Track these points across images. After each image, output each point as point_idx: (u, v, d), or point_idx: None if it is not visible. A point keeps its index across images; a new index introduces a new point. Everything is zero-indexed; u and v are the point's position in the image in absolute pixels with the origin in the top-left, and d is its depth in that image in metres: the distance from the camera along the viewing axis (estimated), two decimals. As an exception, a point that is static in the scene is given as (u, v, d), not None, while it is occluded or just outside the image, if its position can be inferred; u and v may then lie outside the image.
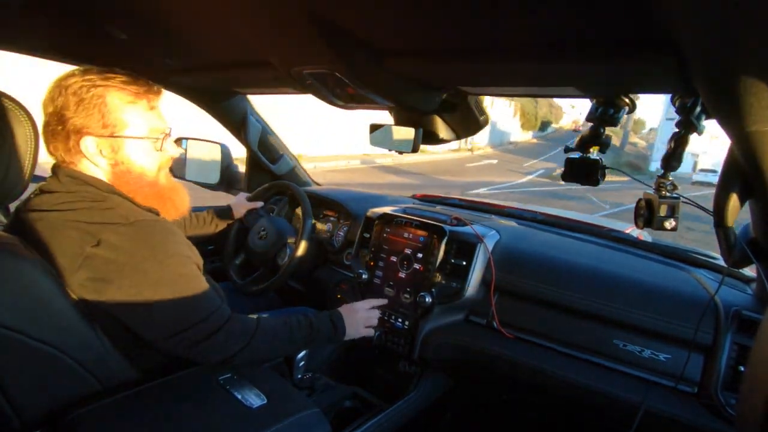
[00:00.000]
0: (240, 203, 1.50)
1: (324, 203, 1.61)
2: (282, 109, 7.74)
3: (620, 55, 0.56)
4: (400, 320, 1.20)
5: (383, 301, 1.22)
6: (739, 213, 0.76)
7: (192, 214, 1.37)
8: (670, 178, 0.77)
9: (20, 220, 0.77)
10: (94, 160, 0.78)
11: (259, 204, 1.52)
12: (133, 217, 0.75)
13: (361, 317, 1.11)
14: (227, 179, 1.72)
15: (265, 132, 1.72)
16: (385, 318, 1.22)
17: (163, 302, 0.74)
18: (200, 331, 0.77)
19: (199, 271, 0.82)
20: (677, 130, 0.72)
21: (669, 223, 0.76)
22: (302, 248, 1.32)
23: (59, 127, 0.76)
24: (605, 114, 0.75)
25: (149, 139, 0.82)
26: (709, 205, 0.79)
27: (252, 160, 1.76)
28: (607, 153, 0.84)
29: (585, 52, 0.58)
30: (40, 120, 0.77)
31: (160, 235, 0.76)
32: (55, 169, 0.79)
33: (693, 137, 0.71)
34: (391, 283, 1.23)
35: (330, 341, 1.02)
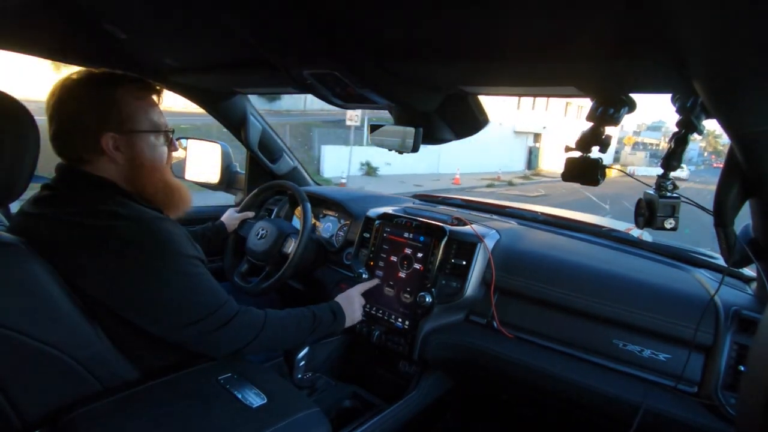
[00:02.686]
0: (231, 217, 1.51)
1: (324, 203, 1.61)
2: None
3: (620, 55, 0.56)
4: (400, 320, 1.20)
5: (375, 282, 1.25)
6: (739, 213, 0.76)
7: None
8: (671, 178, 0.77)
9: (23, 220, 0.77)
10: (112, 157, 0.79)
11: (251, 214, 1.54)
12: (137, 215, 0.76)
13: (357, 302, 1.17)
14: (227, 179, 1.72)
15: (265, 132, 1.72)
16: (385, 318, 1.22)
17: (171, 298, 0.76)
18: (210, 324, 0.79)
19: (204, 266, 0.83)
20: (678, 129, 0.72)
21: (669, 223, 0.76)
22: (305, 241, 1.32)
23: (73, 127, 0.77)
24: (605, 114, 0.75)
25: (160, 134, 0.85)
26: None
27: (252, 160, 1.76)
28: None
29: (585, 52, 0.58)
30: (39, 120, 0.77)
31: (165, 233, 0.77)
32: (60, 168, 0.80)
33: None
34: (391, 283, 1.23)
35: (332, 329, 1.06)
